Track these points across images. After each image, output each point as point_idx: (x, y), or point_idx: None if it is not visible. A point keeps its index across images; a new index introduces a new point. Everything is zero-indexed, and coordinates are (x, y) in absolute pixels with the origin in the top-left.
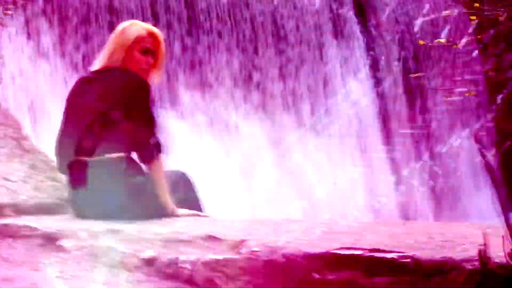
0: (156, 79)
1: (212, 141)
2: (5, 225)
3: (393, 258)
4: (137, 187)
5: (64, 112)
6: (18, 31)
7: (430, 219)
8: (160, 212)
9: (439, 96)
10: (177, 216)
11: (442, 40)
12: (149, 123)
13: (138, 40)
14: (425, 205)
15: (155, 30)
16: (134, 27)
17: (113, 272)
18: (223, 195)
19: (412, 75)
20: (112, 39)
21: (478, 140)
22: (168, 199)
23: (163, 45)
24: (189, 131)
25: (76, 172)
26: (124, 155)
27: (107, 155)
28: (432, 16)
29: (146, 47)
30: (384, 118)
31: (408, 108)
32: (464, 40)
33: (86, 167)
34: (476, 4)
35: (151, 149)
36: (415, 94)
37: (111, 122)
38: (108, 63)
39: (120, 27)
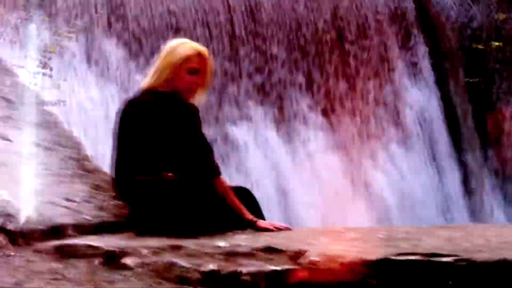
0: (202, 98)
1: (283, 154)
2: (68, 245)
3: (449, 261)
4: (206, 203)
5: (115, 134)
6: (80, 53)
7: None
8: (238, 224)
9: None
10: (260, 227)
11: (500, 44)
12: (202, 146)
13: (187, 59)
14: (494, 208)
15: (204, 49)
16: (183, 46)
17: (176, 287)
18: (295, 206)
19: (477, 80)
20: (160, 58)
21: None
22: (244, 210)
23: (211, 65)
24: (258, 144)
25: (137, 191)
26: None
27: (168, 174)
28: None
29: (194, 67)
30: (452, 124)
31: (474, 110)
32: None
33: (147, 186)
34: None
35: (209, 170)
36: (481, 96)
37: (164, 144)
38: (155, 82)
39: (169, 46)
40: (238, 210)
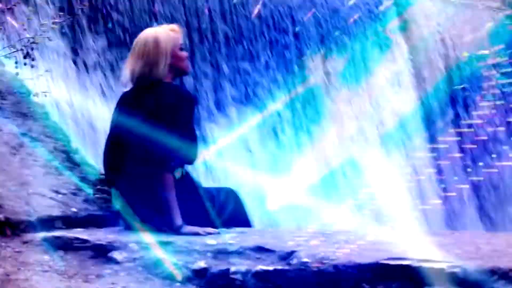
0: None
1: (259, 153)
2: (57, 237)
3: (442, 268)
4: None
5: (111, 125)
6: (65, 45)
7: (478, 226)
8: (167, 227)
9: (484, 106)
10: (182, 233)
11: (487, 52)
12: (160, 138)
13: (175, 42)
14: (471, 213)
15: (175, 25)
16: (164, 33)
17: (165, 283)
18: (272, 207)
19: (456, 88)
20: (149, 52)
21: None
22: (174, 215)
23: None
24: (237, 144)
25: (126, 184)
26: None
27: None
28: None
29: (181, 44)
30: (429, 127)
31: (452, 117)
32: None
33: (136, 180)
34: None
35: (154, 163)
36: (459, 104)
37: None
38: (154, 74)
39: (150, 39)
40: (168, 213)
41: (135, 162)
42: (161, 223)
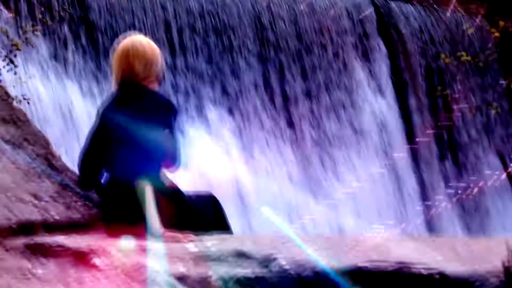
0: None
1: (239, 157)
2: (37, 243)
3: (419, 271)
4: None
5: (93, 130)
6: (46, 51)
7: (457, 231)
8: (147, 233)
9: (464, 111)
10: (162, 239)
11: (468, 58)
12: (139, 145)
13: None
14: (451, 219)
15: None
16: (148, 40)
17: None
18: (249, 211)
19: (437, 93)
20: (147, 52)
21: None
22: (154, 221)
23: None
24: (216, 147)
25: (107, 189)
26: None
27: None
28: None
29: None
30: (410, 133)
31: (433, 123)
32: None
33: (116, 185)
34: (502, 22)
35: (138, 169)
36: (440, 109)
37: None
38: (153, 72)
39: (144, 41)
40: (148, 218)
41: (115, 167)
42: (142, 229)
